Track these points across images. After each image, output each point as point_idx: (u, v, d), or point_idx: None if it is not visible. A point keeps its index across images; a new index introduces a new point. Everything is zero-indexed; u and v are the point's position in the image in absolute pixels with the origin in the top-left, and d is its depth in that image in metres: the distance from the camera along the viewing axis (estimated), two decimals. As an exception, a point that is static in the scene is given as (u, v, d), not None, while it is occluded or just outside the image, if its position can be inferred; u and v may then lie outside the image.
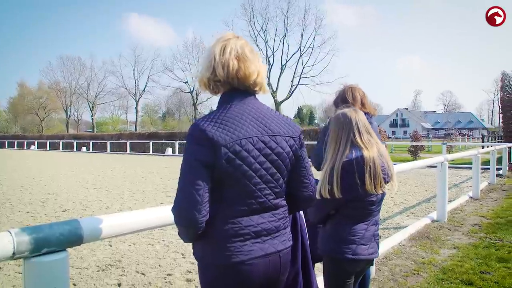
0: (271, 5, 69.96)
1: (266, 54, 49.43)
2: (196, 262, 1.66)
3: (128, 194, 10.31)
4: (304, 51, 48.52)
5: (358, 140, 2.19)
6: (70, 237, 1.53)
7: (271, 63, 49.56)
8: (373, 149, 2.20)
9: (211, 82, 1.63)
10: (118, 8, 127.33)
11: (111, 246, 5.48)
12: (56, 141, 49.04)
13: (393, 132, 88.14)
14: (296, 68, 48.64)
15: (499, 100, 23.04)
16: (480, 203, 8.58)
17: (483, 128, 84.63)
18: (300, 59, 48.67)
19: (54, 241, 1.47)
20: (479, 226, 6.39)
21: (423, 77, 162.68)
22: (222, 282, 1.55)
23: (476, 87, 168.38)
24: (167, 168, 18.84)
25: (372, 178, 2.14)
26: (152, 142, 36.41)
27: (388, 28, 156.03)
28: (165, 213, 1.93)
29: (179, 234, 1.63)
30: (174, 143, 34.17)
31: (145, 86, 61.34)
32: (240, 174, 1.52)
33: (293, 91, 48.52)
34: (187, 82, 55.10)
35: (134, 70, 61.31)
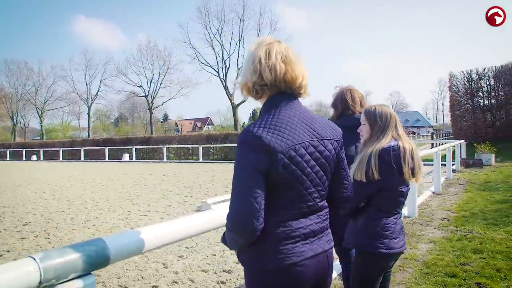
0: (227, 8, 69.89)
1: (222, 57, 49.24)
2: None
3: (92, 204, 9.88)
4: (260, 53, 48.59)
5: (399, 132, 2.34)
6: (97, 259, 1.39)
7: (228, 66, 49.43)
8: (407, 141, 2.33)
9: (257, 87, 1.61)
10: (64, 10, 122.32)
11: (84, 260, 5.20)
12: (2, 150, 46.42)
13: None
14: (252, 70, 48.56)
15: (449, 99, 24.13)
16: (442, 197, 8.93)
17: (429, 126, 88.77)
18: (256, 62, 48.71)
19: (81, 265, 1.33)
20: (448, 220, 6.64)
21: (372, 78, 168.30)
22: (273, 287, 1.54)
23: (422, 88, 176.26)
24: (127, 174, 18.29)
25: (408, 167, 2.25)
26: (108, 148, 35.28)
27: (338, 30, 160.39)
28: (193, 223, 1.87)
29: (226, 241, 1.62)
30: (131, 148, 33.29)
31: (98, 91, 59.19)
32: (294, 179, 1.52)
33: (249, 94, 48.50)
34: (141, 86, 53.84)
35: (85, 75, 58.93)
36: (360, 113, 2.94)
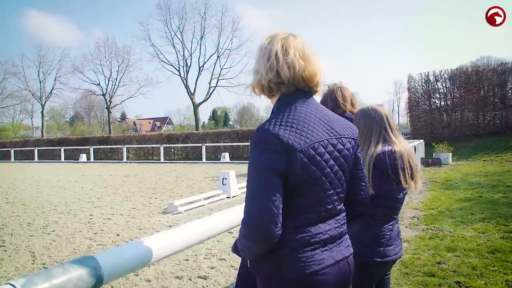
0: (188, 6, 69.09)
1: (184, 55, 48.43)
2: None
3: (49, 207, 9.33)
4: (222, 53, 48.41)
5: (390, 134, 2.20)
6: (89, 281, 1.18)
7: (189, 65, 48.67)
8: (402, 144, 2.20)
9: (272, 84, 1.49)
10: (14, 3, 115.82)
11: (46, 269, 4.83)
12: None
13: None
14: (213, 70, 48.40)
15: (407, 100, 24.88)
16: (408, 196, 9.08)
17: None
18: (218, 61, 48.49)
19: (72, 290, 1.12)
20: (418, 219, 6.73)
21: (331, 79, 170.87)
22: None
23: (378, 89, 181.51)
24: (86, 176, 17.55)
25: (403, 172, 2.12)
26: (64, 149, 33.84)
27: (298, 32, 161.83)
28: (193, 231, 1.70)
29: (239, 249, 1.49)
30: (89, 148, 32.09)
31: (52, 88, 56.44)
32: (314, 180, 1.41)
33: (211, 93, 48.12)
34: (99, 84, 52.06)
35: (39, 72, 56.08)
36: (351, 112, 2.83)
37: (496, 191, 9.07)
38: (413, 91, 23.89)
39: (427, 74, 23.11)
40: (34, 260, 5.19)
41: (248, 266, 1.55)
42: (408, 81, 24.05)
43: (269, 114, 1.52)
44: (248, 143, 25.79)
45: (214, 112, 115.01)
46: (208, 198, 9.35)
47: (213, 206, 8.82)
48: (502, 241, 5.21)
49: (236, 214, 2.00)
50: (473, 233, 5.67)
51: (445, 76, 22.47)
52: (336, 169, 1.48)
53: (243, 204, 2.33)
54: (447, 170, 14.37)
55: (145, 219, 7.63)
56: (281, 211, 1.35)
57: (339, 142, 1.50)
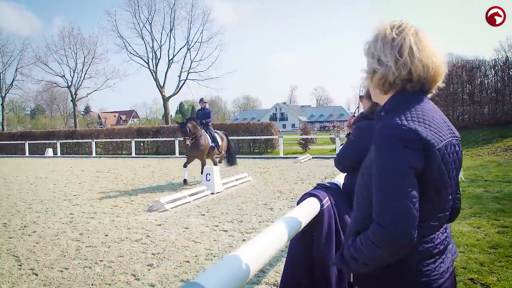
0: (158, -3, 67.27)
1: (153, 48, 47.30)
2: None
3: (24, 206, 8.81)
4: (192, 45, 47.64)
5: None
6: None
7: (158, 57, 47.62)
8: None
9: (398, 81, 1.34)
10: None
11: (36, 275, 4.49)
12: None
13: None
14: (183, 62, 47.59)
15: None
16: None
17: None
18: (188, 54, 47.69)
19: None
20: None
21: (298, 73, 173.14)
22: None
23: (344, 83, 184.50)
24: (56, 171, 16.82)
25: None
26: (28, 143, 32.39)
27: (265, 24, 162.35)
28: (283, 233, 1.64)
29: (349, 261, 1.34)
30: (55, 143, 30.87)
31: (13, 80, 53.83)
32: (443, 183, 1.31)
33: (181, 86, 47.32)
34: (64, 76, 50.10)
35: (-2, 62, 53.46)
36: None
37: (477, 185, 9.26)
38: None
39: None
40: (20, 265, 4.82)
41: (351, 280, 1.39)
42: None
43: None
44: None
45: (181, 106, 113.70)
46: (193, 194, 9.09)
47: (199, 203, 8.57)
48: (500, 236, 5.27)
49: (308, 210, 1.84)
50: (469, 228, 5.72)
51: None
52: (455, 173, 1.37)
53: (309, 199, 2.19)
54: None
55: (131, 218, 7.30)
56: (418, 215, 1.23)
57: (457, 144, 1.39)
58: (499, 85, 20.68)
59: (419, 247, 1.30)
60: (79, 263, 4.81)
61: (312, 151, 24.43)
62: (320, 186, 2.60)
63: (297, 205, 2.39)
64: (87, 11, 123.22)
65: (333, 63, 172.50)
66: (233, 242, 5.51)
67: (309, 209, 2.15)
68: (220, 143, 12.29)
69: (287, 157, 21.05)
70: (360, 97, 2.91)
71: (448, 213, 1.39)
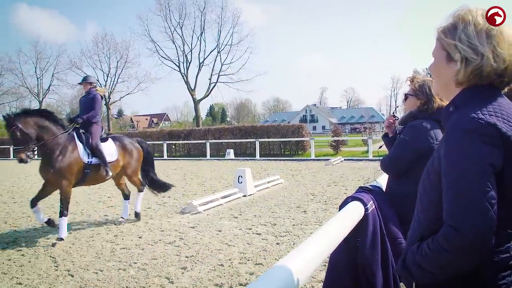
0: (188, 1, 68.23)
1: (184, 51, 48.06)
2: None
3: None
4: (222, 48, 48.08)
5: None
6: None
7: (189, 61, 48.29)
8: None
9: (492, 74, 1.21)
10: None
11: (72, 276, 4.52)
12: None
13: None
14: (214, 65, 48.04)
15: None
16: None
17: (383, 122, 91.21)
18: (218, 57, 48.16)
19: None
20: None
21: (327, 75, 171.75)
22: None
23: (375, 84, 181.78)
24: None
25: None
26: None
27: (294, 26, 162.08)
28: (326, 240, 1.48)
29: (412, 270, 1.22)
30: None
31: (50, 85, 55.85)
32: None
33: (211, 89, 47.76)
34: (97, 80, 51.41)
35: (36, 68, 55.25)
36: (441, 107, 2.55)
37: None
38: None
39: (433, 69, 22.85)
40: (57, 266, 4.87)
41: None
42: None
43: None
44: (253, 140, 25.53)
45: (211, 108, 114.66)
46: (225, 197, 9.05)
47: (231, 205, 8.51)
48: None
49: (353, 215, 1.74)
50: None
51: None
52: None
53: (352, 202, 2.07)
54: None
55: (164, 220, 7.31)
56: None
57: None
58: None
59: (494, 257, 1.16)
60: (113, 265, 4.82)
61: (344, 153, 24.07)
62: (362, 189, 2.46)
63: (339, 209, 2.26)
64: (119, 16, 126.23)
65: (364, 64, 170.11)
66: (267, 246, 5.40)
67: (354, 213, 2.02)
68: (113, 158, 6.88)
69: (318, 159, 20.78)
70: (405, 95, 2.75)
71: None
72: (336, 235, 1.58)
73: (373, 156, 19.41)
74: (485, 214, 1.07)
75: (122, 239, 6.05)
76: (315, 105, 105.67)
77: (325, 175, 13.71)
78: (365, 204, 2.16)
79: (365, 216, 2.13)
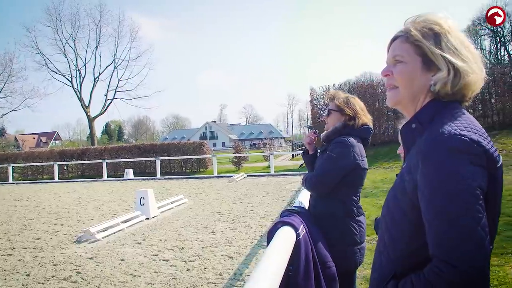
0: (82, 12, 64.36)
1: (76, 65, 44.98)
2: None
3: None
4: (119, 63, 46.00)
5: None
6: None
7: (83, 76, 45.31)
8: None
9: (473, 84, 1.16)
10: None
11: None
12: None
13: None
14: (110, 81, 45.71)
15: (310, 112, 25.91)
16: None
17: (281, 138, 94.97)
18: (115, 72, 45.96)
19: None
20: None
21: (227, 92, 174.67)
22: None
23: (272, 101, 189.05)
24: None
25: None
26: None
27: (192, 42, 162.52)
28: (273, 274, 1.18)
29: None
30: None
31: None
32: (499, 208, 1.11)
33: (107, 106, 45.26)
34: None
35: None
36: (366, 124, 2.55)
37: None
38: (315, 103, 24.93)
39: (327, 87, 24.31)
40: None
41: None
42: (310, 93, 25.05)
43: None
44: (153, 158, 24.57)
45: (107, 126, 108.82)
46: (127, 221, 8.40)
47: (134, 230, 7.92)
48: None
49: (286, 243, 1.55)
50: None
51: (345, 89, 23.85)
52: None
53: (283, 228, 1.89)
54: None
55: (57, 252, 6.50)
56: None
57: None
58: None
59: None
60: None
61: (246, 169, 24.30)
62: (289, 212, 2.32)
63: (268, 234, 2.09)
64: (2, 25, 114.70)
65: (261, 81, 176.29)
66: (176, 273, 5.04)
67: (287, 240, 1.85)
68: None
69: (221, 176, 20.65)
70: (329, 110, 2.70)
71: None
72: (279, 268, 1.39)
73: (274, 172, 19.86)
74: (481, 244, 0.96)
75: (5, 279, 5.20)
76: (214, 121, 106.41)
77: (229, 192, 13.59)
78: (296, 229, 2.02)
79: (297, 242, 1.98)
